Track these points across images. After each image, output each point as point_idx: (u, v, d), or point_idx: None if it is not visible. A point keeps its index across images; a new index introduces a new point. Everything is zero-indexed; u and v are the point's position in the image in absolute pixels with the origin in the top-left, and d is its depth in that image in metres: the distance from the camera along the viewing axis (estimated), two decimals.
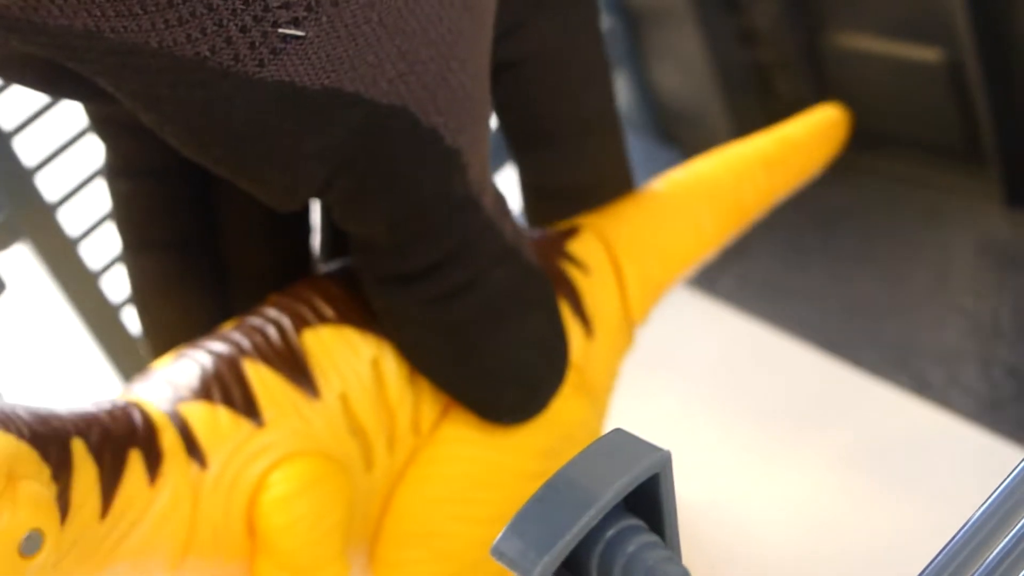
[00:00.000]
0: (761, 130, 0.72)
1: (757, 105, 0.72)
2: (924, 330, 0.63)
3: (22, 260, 0.58)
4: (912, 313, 0.64)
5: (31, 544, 0.38)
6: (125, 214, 0.50)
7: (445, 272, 0.44)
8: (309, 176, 0.41)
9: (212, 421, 0.44)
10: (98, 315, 0.60)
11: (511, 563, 0.28)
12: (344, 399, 0.45)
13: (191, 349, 0.46)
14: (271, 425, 0.44)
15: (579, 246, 0.51)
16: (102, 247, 0.60)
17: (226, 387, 0.45)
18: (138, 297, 0.50)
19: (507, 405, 0.46)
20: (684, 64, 0.71)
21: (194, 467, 0.43)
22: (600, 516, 0.29)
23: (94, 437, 0.41)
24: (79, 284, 0.59)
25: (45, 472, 0.39)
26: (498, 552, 0.29)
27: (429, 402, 0.47)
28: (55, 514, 0.39)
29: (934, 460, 0.57)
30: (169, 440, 0.43)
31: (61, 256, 0.58)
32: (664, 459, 0.29)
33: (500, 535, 0.29)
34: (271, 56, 0.38)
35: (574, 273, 0.50)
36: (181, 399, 0.44)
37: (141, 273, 0.50)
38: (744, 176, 0.55)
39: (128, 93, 0.39)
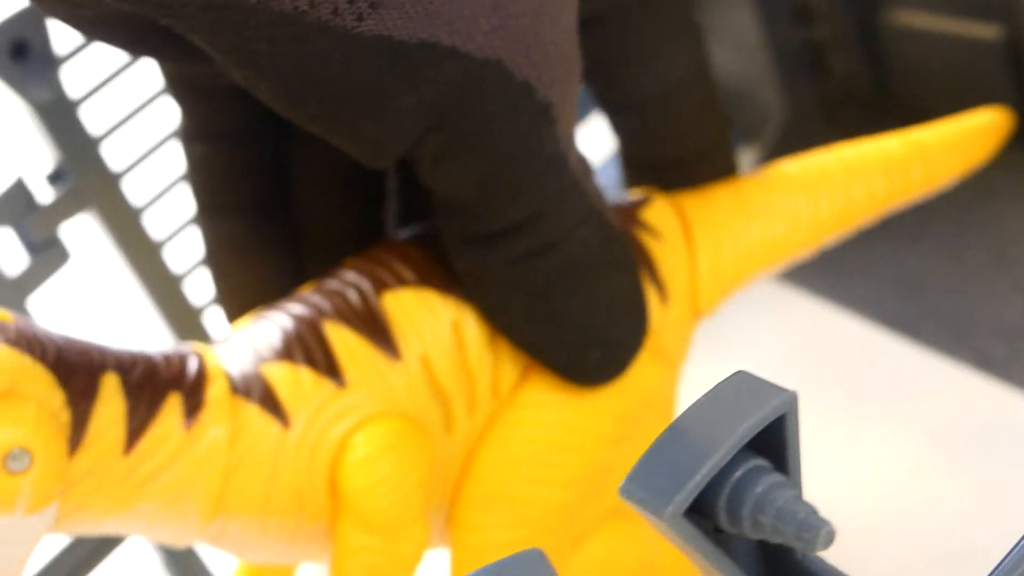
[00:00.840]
0: (813, 109, 0.73)
1: (811, 84, 0.72)
2: (984, 306, 0.63)
3: (87, 229, 0.58)
4: (971, 289, 0.64)
5: (17, 462, 0.39)
6: (200, 178, 0.50)
7: (531, 231, 0.44)
8: (403, 131, 0.41)
9: (295, 382, 0.44)
10: (160, 285, 0.60)
11: (641, 503, 0.28)
12: (425, 361, 0.45)
13: (270, 312, 0.46)
14: (353, 386, 0.44)
15: (652, 214, 0.50)
16: (165, 217, 0.60)
17: (308, 348, 0.45)
18: (213, 261, 0.51)
19: (590, 367, 0.46)
20: (738, 42, 0.71)
21: (276, 427, 0.44)
22: (729, 456, 0.29)
23: (135, 374, 0.42)
24: (142, 254, 0.59)
25: (58, 396, 0.40)
26: (627, 492, 0.29)
27: (508, 366, 0.47)
28: (56, 438, 0.40)
29: (996, 436, 0.57)
30: (216, 391, 0.43)
31: (125, 225, 0.58)
32: (790, 400, 0.29)
33: (629, 475, 0.29)
34: (370, 10, 0.38)
35: (647, 240, 0.50)
36: (263, 360, 0.44)
37: (216, 237, 0.50)
38: (858, 176, 0.53)
39: (223, 49, 0.39)
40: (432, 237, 0.48)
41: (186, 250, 0.60)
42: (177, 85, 0.49)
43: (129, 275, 0.60)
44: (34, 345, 0.40)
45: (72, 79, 0.56)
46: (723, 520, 0.30)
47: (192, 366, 0.43)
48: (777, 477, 0.29)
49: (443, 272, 0.46)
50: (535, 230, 0.44)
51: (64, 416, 0.40)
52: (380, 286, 0.46)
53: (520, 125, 0.42)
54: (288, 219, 0.50)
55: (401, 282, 0.46)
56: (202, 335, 0.61)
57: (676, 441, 0.29)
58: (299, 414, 0.44)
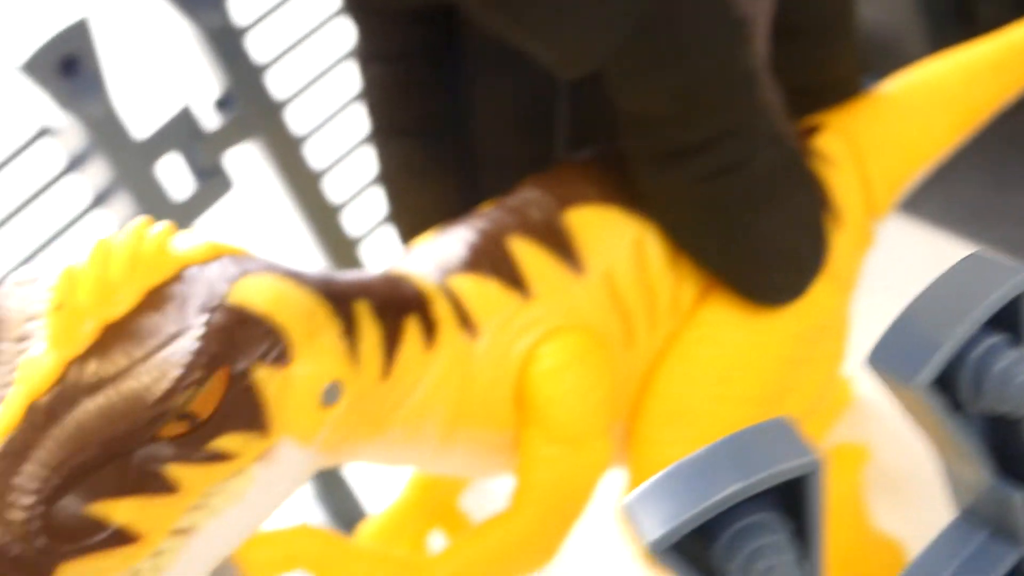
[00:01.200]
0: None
1: (957, 32, 0.72)
2: None
3: (250, 158, 0.59)
4: None
5: (332, 395, 0.39)
6: (377, 98, 0.50)
7: (721, 149, 0.44)
8: (607, 37, 0.41)
9: (482, 293, 0.44)
10: (319, 215, 0.60)
11: (891, 372, 0.28)
12: (608, 277, 0.46)
13: (452, 228, 0.47)
14: (539, 299, 0.45)
15: (823, 142, 0.51)
16: (325, 147, 0.61)
17: (493, 261, 0.45)
18: (389, 182, 0.51)
19: (774, 286, 0.46)
20: None
21: (465, 338, 0.44)
22: (973, 329, 0.29)
23: (377, 299, 0.42)
24: (302, 183, 0.60)
25: (337, 327, 0.40)
26: (875, 362, 0.28)
27: (689, 284, 0.47)
28: (351, 367, 0.40)
29: None
30: (442, 309, 0.43)
31: (286, 154, 0.59)
32: None
33: (874, 348, 0.29)
34: None
35: (821, 167, 0.50)
36: (449, 272, 0.45)
37: (392, 158, 0.51)
38: (974, 79, 0.54)
39: None
40: (610, 157, 0.48)
41: (345, 180, 0.61)
42: (357, 6, 0.49)
43: (288, 205, 0.60)
44: (303, 279, 0.39)
45: (239, 6, 0.57)
46: (965, 395, 0.30)
47: (409, 288, 0.43)
48: (1020, 352, 0.29)
49: (625, 190, 0.47)
50: (725, 148, 0.44)
51: (343, 346, 0.40)
52: (563, 203, 0.46)
53: (718, 39, 0.42)
54: (464, 141, 0.51)
55: (584, 199, 0.46)
56: (358, 266, 0.62)
57: (918, 316, 0.29)
58: (487, 325, 0.44)
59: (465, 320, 0.44)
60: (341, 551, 0.42)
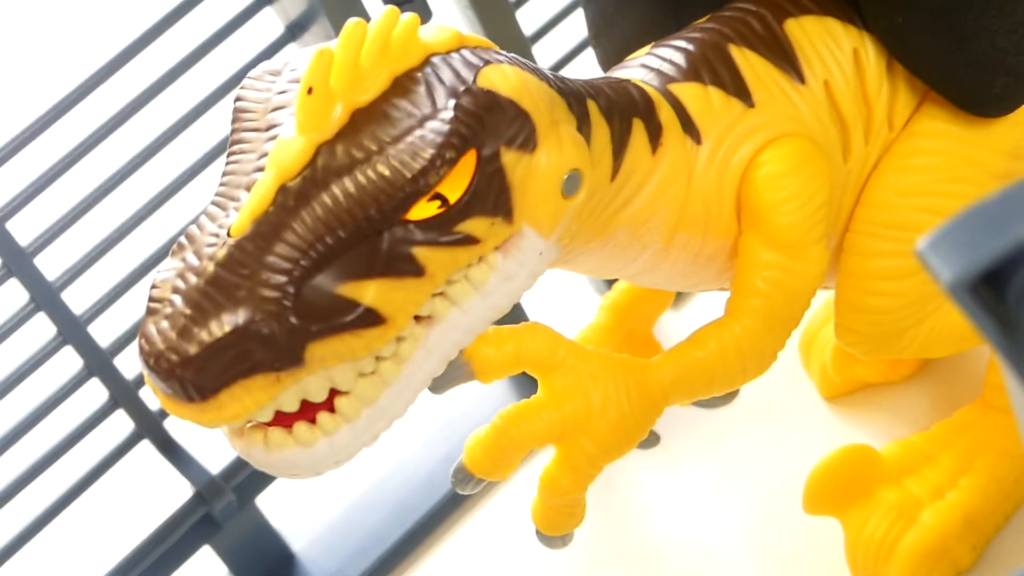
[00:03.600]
0: None
1: None
2: None
3: None
4: None
5: (572, 184, 0.39)
6: None
7: None
8: None
9: (705, 100, 0.45)
10: (511, 45, 0.61)
11: (933, 261, 0.27)
12: (827, 87, 0.46)
13: (670, 40, 0.47)
14: (761, 106, 0.45)
15: None
16: None
17: (715, 70, 0.45)
18: (591, 2, 0.51)
19: (994, 95, 0.46)
20: None
21: (689, 143, 0.44)
22: None
23: (603, 101, 0.42)
24: (496, 14, 0.60)
25: (573, 122, 0.40)
26: (923, 252, 0.28)
27: (904, 97, 0.47)
28: (590, 159, 0.40)
29: None
30: (667, 114, 0.44)
31: None
32: None
33: (926, 237, 0.28)
34: None
35: None
36: (671, 80, 0.45)
37: None
38: None
39: None
40: None
41: (540, 13, 0.62)
42: None
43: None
44: (540, 73, 0.40)
45: None
46: (1011, 308, 0.28)
47: (635, 92, 0.44)
48: None
49: (843, 1, 0.47)
50: None
51: (581, 140, 0.40)
52: (782, 13, 0.46)
53: None
54: None
55: (803, 10, 0.46)
56: None
57: (983, 214, 0.28)
58: (710, 131, 0.45)
59: (688, 126, 0.44)
60: (569, 351, 0.43)
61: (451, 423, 0.66)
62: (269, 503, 0.62)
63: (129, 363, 0.56)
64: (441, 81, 0.38)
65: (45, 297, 0.53)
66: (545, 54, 0.63)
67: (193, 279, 0.36)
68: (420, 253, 0.37)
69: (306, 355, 0.35)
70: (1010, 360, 0.28)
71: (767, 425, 0.59)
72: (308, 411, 0.37)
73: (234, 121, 0.39)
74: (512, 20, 0.61)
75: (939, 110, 0.47)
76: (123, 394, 0.56)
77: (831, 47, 0.46)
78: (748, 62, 0.45)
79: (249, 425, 0.37)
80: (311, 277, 0.36)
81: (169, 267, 0.36)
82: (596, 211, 0.42)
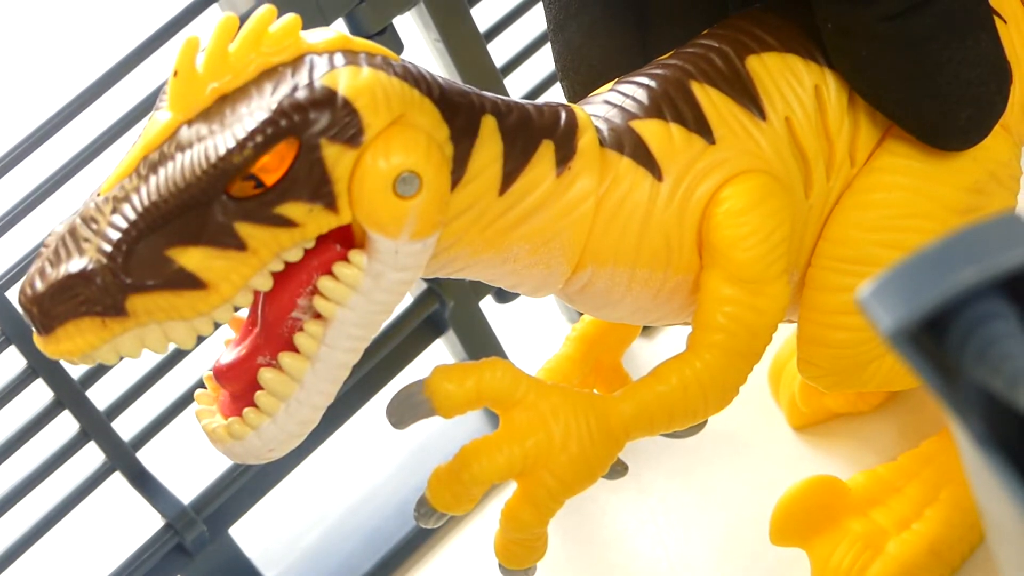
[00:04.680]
0: None
1: None
2: None
3: (420, 22, 0.60)
4: None
5: (407, 185, 0.41)
6: None
7: None
8: None
9: (666, 137, 0.45)
10: (483, 78, 0.61)
11: (873, 309, 0.28)
12: (789, 123, 0.46)
13: (632, 76, 0.48)
14: (722, 143, 0.45)
15: None
16: (491, 11, 0.62)
17: (676, 106, 0.46)
18: (558, 36, 0.52)
19: (957, 127, 0.46)
20: None
21: (650, 180, 0.45)
22: (972, 286, 0.27)
23: (511, 119, 0.43)
24: (467, 47, 0.61)
25: (443, 131, 0.42)
26: (864, 300, 0.28)
27: (866, 132, 0.47)
28: (442, 168, 0.41)
29: None
30: (586, 142, 0.45)
31: (453, 18, 0.60)
32: None
33: (866, 286, 0.28)
34: None
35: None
36: (633, 116, 0.46)
37: (563, 11, 0.51)
38: None
39: None
40: (788, 5, 0.48)
41: (508, 47, 0.62)
42: None
43: (451, 70, 0.61)
44: (420, 81, 0.42)
45: None
46: (952, 355, 0.28)
47: (563, 117, 0.45)
48: (1015, 329, 0.27)
49: (804, 38, 0.47)
50: None
51: (448, 150, 0.42)
52: (743, 50, 0.47)
53: None
54: None
55: (765, 46, 0.47)
56: None
57: (923, 263, 0.28)
58: (671, 168, 0.45)
59: (649, 162, 0.45)
60: (530, 386, 0.43)
61: (424, 451, 0.67)
62: (242, 533, 0.62)
63: (101, 395, 0.56)
64: (294, 75, 0.40)
65: (16, 330, 0.54)
66: (517, 86, 0.63)
67: (62, 230, 0.41)
68: (241, 228, 0.40)
69: (127, 305, 0.39)
70: (952, 407, 0.28)
71: (736, 454, 0.60)
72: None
73: (157, 100, 0.42)
74: (484, 52, 0.61)
75: (901, 146, 0.47)
76: (94, 426, 0.56)
77: (792, 83, 0.47)
78: (710, 99, 0.46)
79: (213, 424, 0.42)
80: (144, 237, 0.39)
81: (62, 220, 0.41)
82: (481, 221, 0.43)
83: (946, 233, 0.46)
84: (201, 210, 0.39)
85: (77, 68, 0.81)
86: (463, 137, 0.42)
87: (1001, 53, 0.47)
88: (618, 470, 0.47)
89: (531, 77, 0.64)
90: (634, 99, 0.46)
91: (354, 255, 0.41)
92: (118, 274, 0.39)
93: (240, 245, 0.40)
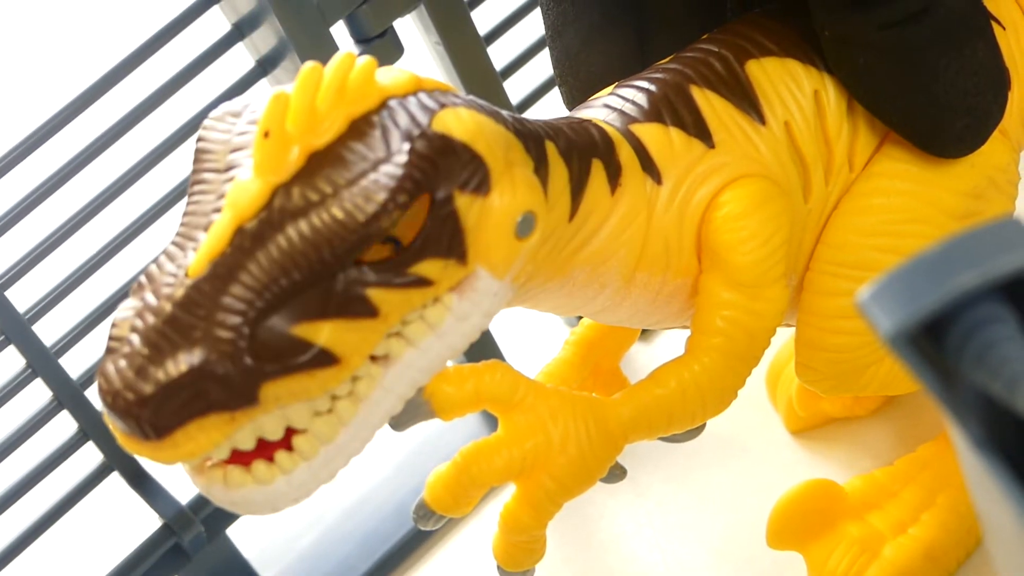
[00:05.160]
0: None
1: None
2: None
3: (420, 25, 0.60)
4: None
5: (526, 226, 0.40)
6: None
7: None
8: None
9: (666, 141, 0.45)
10: (482, 81, 0.61)
11: (873, 312, 0.28)
12: (788, 127, 0.46)
13: (632, 80, 0.48)
14: (721, 147, 0.46)
15: (994, 4, 0.51)
16: (491, 14, 0.62)
17: (676, 110, 0.46)
18: (557, 42, 0.52)
19: (955, 134, 0.47)
20: None
21: (649, 183, 0.45)
22: (971, 289, 0.27)
23: (562, 142, 0.43)
24: (467, 51, 0.61)
25: (530, 164, 0.41)
26: (863, 300, 0.28)
27: (865, 137, 0.48)
28: (545, 201, 0.41)
29: None
30: (626, 155, 0.44)
31: (454, 21, 0.60)
32: None
33: (865, 289, 0.28)
34: None
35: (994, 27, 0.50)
36: (633, 120, 0.46)
37: (562, 17, 0.51)
38: None
39: None
40: (787, 11, 0.48)
41: (510, 48, 0.62)
42: None
43: (452, 72, 0.61)
44: (498, 116, 0.40)
45: None
46: (951, 359, 0.28)
47: (596, 134, 0.44)
48: (1013, 332, 0.27)
49: (804, 43, 0.47)
50: None
51: (537, 182, 0.41)
52: (743, 55, 0.47)
53: None
54: (635, 1, 0.51)
55: (764, 51, 0.47)
56: None
57: (923, 266, 0.28)
58: (671, 172, 0.45)
59: (649, 166, 0.45)
60: (529, 389, 0.43)
61: (422, 453, 0.67)
62: (239, 534, 0.62)
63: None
64: (397, 125, 0.38)
65: (15, 329, 0.54)
66: (516, 90, 0.63)
67: (151, 319, 0.36)
68: (374, 294, 0.37)
69: (260, 395, 0.36)
70: (950, 410, 0.28)
71: (734, 458, 0.60)
72: (266, 449, 0.38)
73: (195, 162, 0.39)
74: (484, 55, 0.61)
75: (899, 151, 0.48)
76: (93, 426, 0.56)
77: (792, 88, 0.47)
78: (709, 103, 0.46)
79: (209, 463, 0.38)
80: (266, 318, 0.36)
81: (128, 306, 0.37)
82: (554, 251, 0.43)
83: (944, 238, 0.47)
84: (330, 280, 0.37)
85: (77, 68, 0.81)
86: (540, 167, 0.41)
87: (999, 61, 0.47)
88: (616, 473, 0.47)
89: (531, 80, 0.64)
90: (634, 103, 0.46)
91: (445, 295, 0.39)
92: (247, 362, 0.35)
93: (372, 312, 0.37)
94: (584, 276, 0.44)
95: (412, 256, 0.38)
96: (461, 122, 0.39)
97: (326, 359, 0.37)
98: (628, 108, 0.46)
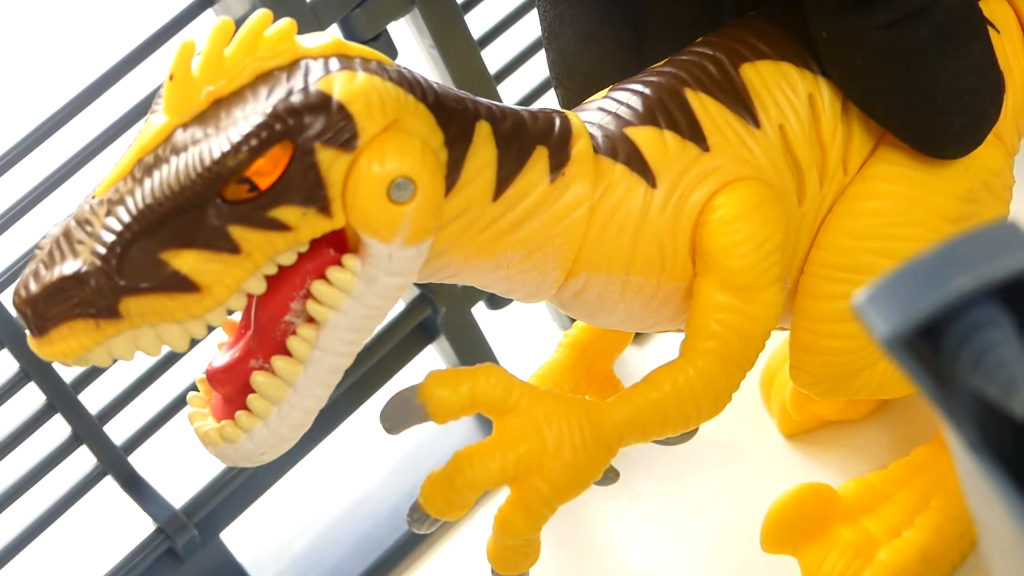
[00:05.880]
0: None
1: None
2: None
3: (414, 28, 0.60)
4: None
5: (401, 191, 0.41)
6: None
7: None
8: None
9: (660, 144, 0.45)
10: (476, 84, 0.61)
11: (869, 315, 0.28)
12: (782, 131, 0.47)
13: (627, 83, 0.48)
14: (716, 150, 0.46)
15: (988, 7, 0.51)
16: (485, 17, 0.62)
17: (670, 114, 0.46)
18: (553, 44, 0.52)
19: (952, 134, 0.47)
20: None
21: (644, 186, 0.45)
22: (967, 293, 0.27)
23: (505, 125, 0.44)
24: (461, 54, 0.61)
25: (437, 136, 0.42)
26: (859, 304, 0.28)
27: (859, 141, 0.48)
28: (436, 174, 0.42)
29: None
30: (580, 148, 0.45)
31: (448, 24, 0.60)
32: None
33: (861, 293, 0.28)
34: None
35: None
36: (628, 123, 0.46)
37: (558, 19, 0.51)
38: None
39: None
40: (782, 14, 0.48)
41: (503, 51, 0.62)
42: None
43: (445, 75, 0.61)
44: (415, 86, 0.42)
45: None
46: (947, 363, 0.28)
47: (558, 123, 0.45)
48: (1009, 335, 0.27)
49: (799, 46, 0.48)
50: None
51: (442, 156, 0.42)
52: (738, 58, 0.47)
53: None
54: (631, 4, 0.51)
55: (759, 55, 0.47)
56: None
57: (918, 270, 0.28)
58: (665, 175, 0.45)
59: (644, 169, 0.45)
60: (523, 392, 0.43)
61: (415, 457, 0.67)
62: (233, 537, 0.62)
63: (93, 399, 0.56)
64: (289, 79, 0.40)
65: (9, 333, 0.53)
66: (511, 92, 0.63)
67: (57, 232, 0.41)
68: (235, 231, 0.40)
69: (121, 307, 0.40)
70: (946, 414, 0.28)
71: (728, 462, 0.60)
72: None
73: (153, 103, 0.42)
74: (478, 59, 0.61)
75: (894, 154, 0.48)
76: (86, 430, 0.56)
77: (786, 91, 0.47)
78: (704, 106, 0.46)
79: (206, 428, 0.42)
80: (138, 240, 0.40)
81: (56, 223, 0.41)
82: (474, 227, 0.43)
83: (939, 241, 0.47)
84: (195, 213, 0.40)
85: (77, 68, 0.81)
86: (457, 143, 0.42)
87: (994, 63, 0.48)
88: (610, 476, 0.47)
89: (525, 84, 0.64)
90: (628, 106, 0.46)
91: (348, 259, 0.41)
92: (112, 276, 0.39)
93: (234, 248, 0.40)
94: (519, 260, 0.45)
95: (271, 200, 0.40)
96: (348, 84, 0.40)
97: (186, 285, 0.40)
98: (623, 111, 0.46)
